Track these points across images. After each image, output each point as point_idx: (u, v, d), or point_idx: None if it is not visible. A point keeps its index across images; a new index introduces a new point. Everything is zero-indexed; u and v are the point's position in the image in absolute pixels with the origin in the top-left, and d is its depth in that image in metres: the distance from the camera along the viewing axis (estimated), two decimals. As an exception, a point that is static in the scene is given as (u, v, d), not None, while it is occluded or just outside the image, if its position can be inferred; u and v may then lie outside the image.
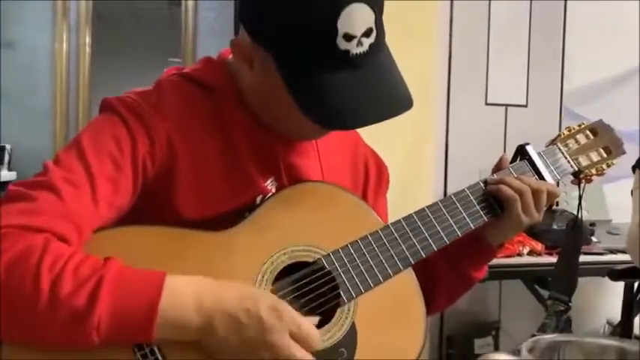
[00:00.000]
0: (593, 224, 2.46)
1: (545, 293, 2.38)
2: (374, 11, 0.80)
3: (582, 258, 2.15)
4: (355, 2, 0.78)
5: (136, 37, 4.09)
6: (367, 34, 0.80)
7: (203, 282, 0.74)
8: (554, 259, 2.18)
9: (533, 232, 2.21)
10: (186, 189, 0.84)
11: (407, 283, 0.90)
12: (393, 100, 0.82)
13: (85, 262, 0.70)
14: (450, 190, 2.57)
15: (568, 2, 2.66)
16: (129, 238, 0.79)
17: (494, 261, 2.11)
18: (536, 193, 0.95)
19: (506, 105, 2.63)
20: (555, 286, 1.25)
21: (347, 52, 0.79)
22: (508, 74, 2.62)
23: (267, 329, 0.73)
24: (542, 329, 1.08)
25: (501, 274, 2.21)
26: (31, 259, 0.68)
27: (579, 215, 1.16)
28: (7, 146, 3.35)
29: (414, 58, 2.33)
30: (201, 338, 0.72)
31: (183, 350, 0.73)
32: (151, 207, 0.83)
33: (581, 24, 2.66)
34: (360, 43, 0.79)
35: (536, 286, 2.29)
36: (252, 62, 0.85)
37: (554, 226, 2.20)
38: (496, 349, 2.50)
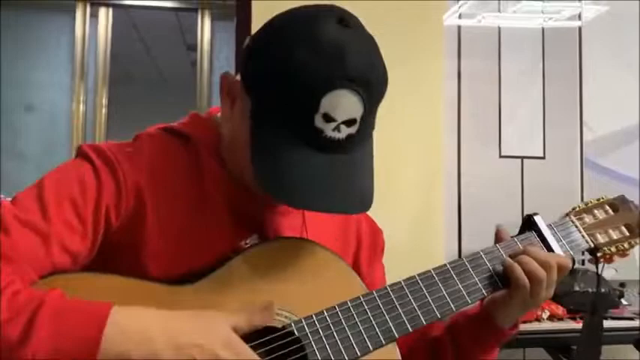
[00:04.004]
0: (622, 284, 2.25)
1: (571, 363, 2.17)
2: (364, 107, 0.76)
3: (610, 323, 1.99)
4: (348, 90, 0.74)
5: (151, 96, 4.17)
6: (349, 123, 0.76)
7: (153, 315, 0.68)
8: (577, 325, 2.00)
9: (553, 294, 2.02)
10: (153, 244, 0.80)
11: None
12: (348, 198, 0.77)
13: (23, 292, 0.65)
14: (465, 249, 2.43)
15: (584, 49, 2.56)
16: (81, 285, 0.72)
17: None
18: (544, 266, 0.86)
19: (522, 157, 2.50)
20: None
21: (321, 131, 0.75)
22: (522, 125, 2.50)
23: None
24: None
25: (522, 341, 2.02)
26: None
27: (598, 296, 1.06)
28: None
29: (419, 110, 2.26)
30: None
31: None
32: (117, 260, 0.78)
33: (598, 71, 2.55)
34: (337, 129, 0.76)
35: (561, 356, 2.08)
36: (235, 100, 0.83)
37: (576, 288, 2.01)
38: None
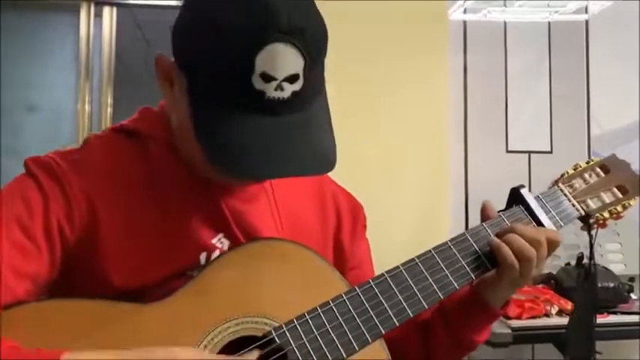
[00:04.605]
0: (632, 279, 2.24)
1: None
2: (304, 58, 0.70)
3: (619, 318, 1.97)
4: (281, 42, 0.68)
5: (155, 95, 4.18)
6: (291, 79, 0.70)
7: (109, 355, 0.64)
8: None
9: (561, 289, 2.01)
10: (114, 254, 0.75)
11: (377, 358, 0.77)
12: (304, 159, 0.72)
13: None
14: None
15: (590, 42, 2.55)
16: (46, 315, 0.69)
17: (523, 323, 1.94)
18: (533, 244, 0.81)
19: (529, 152, 2.49)
20: (569, 352, 1.09)
21: (262, 93, 0.70)
22: (529, 119, 2.49)
23: None
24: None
25: (531, 337, 2.01)
26: None
27: (592, 266, 1.01)
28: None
29: (424, 106, 2.25)
30: None
31: None
32: (80, 276, 0.74)
33: (605, 64, 2.54)
34: (280, 88, 0.70)
35: (570, 351, 2.06)
36: (173, 83, 0.77)
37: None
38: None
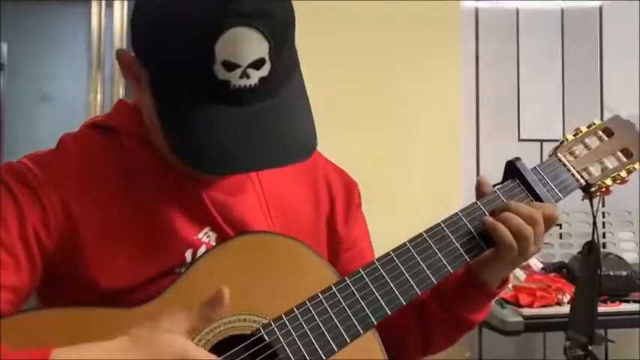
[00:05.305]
0: (645, 267, 2.22)
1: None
2: (269, 42, 0.66)
3: (632, 307, 1.96)
4: (241, 26, 0.64)
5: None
6: (257, 65, 0.66)
7: (96, 352, 0.62)
8: (599, 309, 1.97)
9: (573, 278, 2.00)
10: (96, 255, 0.73)
11: (369, 349, 0.75)
12: (281, 148, 0.69)
13: None
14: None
15: (604, 29, 2.51)
16: (34, 326, 0.67)
17: (535, 312, 1.94)
18: (528, 222, 0.78)
19: (542, 140, 2.47)
20: (573, 325, 1.08)
21: (227, 83, 0.66)
22: (542, 108, 2.47)
23: None
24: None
25: (542, 325, 2.00)
26: None
27: (595, 237, 0.99)
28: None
29: (436, 94, 2.24)
30: None
31: None
32: (66, 283, 0.73)
33: (619, 52, 2.50)
34: (245, 75, 0.66)
35: (582, 339, 2.05)
36: (140, 78, 0.75)
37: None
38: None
